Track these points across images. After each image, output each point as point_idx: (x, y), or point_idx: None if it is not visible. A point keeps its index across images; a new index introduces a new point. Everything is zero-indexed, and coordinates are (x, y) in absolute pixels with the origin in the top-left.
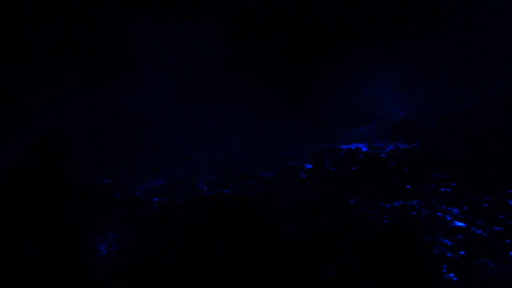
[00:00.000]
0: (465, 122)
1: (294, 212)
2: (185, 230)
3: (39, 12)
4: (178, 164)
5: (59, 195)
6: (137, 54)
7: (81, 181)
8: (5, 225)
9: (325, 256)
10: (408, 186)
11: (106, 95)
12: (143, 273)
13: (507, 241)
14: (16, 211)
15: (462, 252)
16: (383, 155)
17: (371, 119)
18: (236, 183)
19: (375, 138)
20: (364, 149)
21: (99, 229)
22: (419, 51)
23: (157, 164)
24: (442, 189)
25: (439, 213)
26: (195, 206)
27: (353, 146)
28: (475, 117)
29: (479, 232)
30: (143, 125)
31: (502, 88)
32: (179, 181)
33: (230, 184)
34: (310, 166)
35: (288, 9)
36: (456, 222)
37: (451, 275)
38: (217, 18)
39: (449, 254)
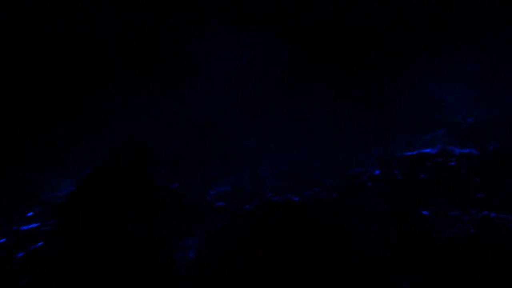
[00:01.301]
0: None
1: (364, 220)
2: (254, 235)
3: (117, 21)
4: (244, 170)
5: (140, 199)
6: (206, 60)
7: (158, 185)
8: (91, 228)
9: (402, 268)
10: (479, 195)
11: (177, 101)
12: (218, 276)
13: None
14: (99, 214)
15: None
16: (452, 163)
17: (439, 125)
18: (301, 190)
19: (444, 145)
20: (433, 157)
21: (177, 234)
22: (488, 56)
23: (224, 170)
24: None
25: None
26: (263, 212)
27: (421, 153)
28: None
29: None
30: (212, 130)
31: None
32: (245, 186)
33: (295, 190)
34: (377, 172)
35: (352, 14)
36: None
37: None
38: (282, 23)
39: None
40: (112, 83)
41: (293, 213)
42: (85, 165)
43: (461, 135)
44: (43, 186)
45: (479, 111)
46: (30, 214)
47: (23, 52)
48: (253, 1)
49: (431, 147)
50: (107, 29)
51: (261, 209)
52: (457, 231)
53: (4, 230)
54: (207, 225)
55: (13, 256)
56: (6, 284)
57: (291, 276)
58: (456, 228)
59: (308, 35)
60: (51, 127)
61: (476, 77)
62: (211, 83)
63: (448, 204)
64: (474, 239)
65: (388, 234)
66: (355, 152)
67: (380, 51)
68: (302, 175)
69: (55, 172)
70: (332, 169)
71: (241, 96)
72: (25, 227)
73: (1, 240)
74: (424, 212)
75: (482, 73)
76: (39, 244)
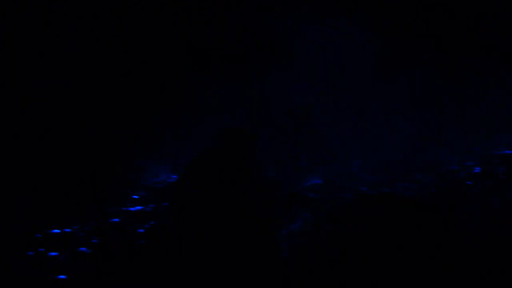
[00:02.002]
0: None
1: (470, 218)
2: (351, 229)
3: (209, 13)
4: (335, 162)
5: (242, 187)
6: (299, 50)
7: (259, 174)
8: (195, 221)
9: None
10: None
11: (267, 92)
12: (314, 270)
13: None
14: (203, 200)
15: None
16: None
17: None
18: (397, 185)
19: None
20: None
21: (279, 224)
22: None
23: (316, 162)
24: None
25: None
26: (358, 206)
27: None
28: None
29: None
30: (304, 121)
31: None
32: (337, 179)
33: (390, 185)
34: (477, 170)
35: (451, 6)
36: None
37: None
38: (375, 14)
39: None
40: (208, 72)
41: (391, 207)
42: (182, 153)
43: None
44: (145, 172)
45: None
46: (135, 197)
47: (130, 43)
48: None
49: None
50: (202, 16)
51: (357, 202)
52: None
53: (115, 212)
54: (302, 218)
55: (131, 233)
56: (132, 257)
57: (395, 274)
58: None
59: (405, 24)
60: (150, 116)
61: None
62: (305, 73)
63: None
64: None
65: (499, 232)
66: (453, 148)
67: (480, 42)
68: (397, 169)
69: (154, 159)
70: (427, 164)
71: (335, 87)
72: (133, 209)
73: (115, 220)
74: None
75: None
76: (152, 222)
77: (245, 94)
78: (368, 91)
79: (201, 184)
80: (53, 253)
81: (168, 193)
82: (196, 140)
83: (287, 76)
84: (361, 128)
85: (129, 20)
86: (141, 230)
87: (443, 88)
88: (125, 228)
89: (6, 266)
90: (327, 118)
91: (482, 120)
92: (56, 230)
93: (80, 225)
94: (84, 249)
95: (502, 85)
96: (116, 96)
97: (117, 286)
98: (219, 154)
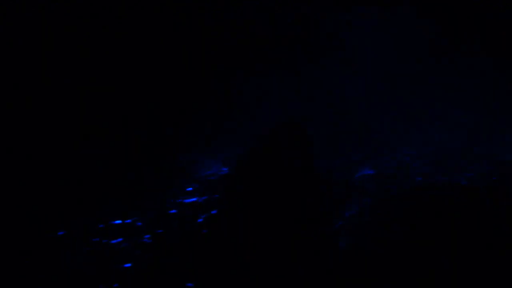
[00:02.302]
0: None
1: None
2: (408, 217)
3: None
4: (386, 153)
5: (293, 179)
6: (347, 42)
7: (312, 166)
8: (250, 204)
9: None
10: None
11: (317, 85)
12: (370, 262)
13: None
14: (257, 192)
15: None
16: None
17: None
18: (452, 175)
19: None
20: None
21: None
22: None
23: (366, 152)
24: None
25: None
26: (411, 196)
27: None
28: None
29: None
30: (353, 114)
31: None
32: (389, 170)
33: (445, 175)
34: None
35: None
36: None
37: None
38: (431, 1)
39: None
40: (259, 66)
41: (449, 196)
42: (233, 146)
43: None
44: (198, 166)
45: None
46: (189, 189)
47: (178, 41)
48: None
49: None
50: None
51: (412, 192)
52: None
53: (172, 203)
54: (357, 208)
55: (189, 223)
56: (192, 246)
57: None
58: None
59: (464, 13)
60: (201, 111)
61: None
62: (356, 65)
63: None
64: None
65: None
66: (509, 138)
67: None
68: (450, 159)
69: (206, 153)
70: (484, 155)
71: (387, 78)
72: (187, 200)
73: (173, 211)
74: None
75: None
76: (206, 213)
77: (296, 87)
78: (422, 82)
79: (253, 176)
80: (115, 241)
81: (220, 185)
82: (246, 134)
83: (338, 68)
84: (414, 119)
85: (177, 17)
86: (200, 220)
87: (501, 79)
88: (182, 219)
89: (74, 255)
90: (378, 109)
91: None
92: (118, 221)
93: (140, 216)
94: (146, 238)
95: None
96: (171, 94)
97: (179, 273)
98: (271, 147)
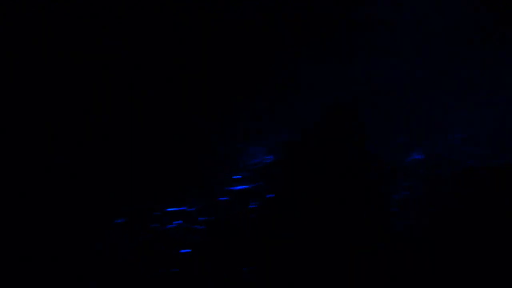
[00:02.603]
0: None
1: None
2: (460, 204)
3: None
4: (435, 136)
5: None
6: (393, 22)
7: (363, 152)
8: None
9: None
10: None
11: (363, 68)
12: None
13: None
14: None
15: None
16: None
17: None
18: (503, 158)
19: None
20: None
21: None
22: None
23: (414, 136)
24: None
25: None
26: (465, 180)
27: None
28: None
29: None
30: (398, 96)
31: None
32: (439, 154)
33: (499, 157)
34: None
35: None
36: None
37: None
38: None
39: None
40: (304, 51)
41: (502, 180)
42: (276, 134)
43: None
44: (242, 154)
45: None
46: (236, 177)
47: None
48: None
49: None
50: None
51: (464, 175)
52: None
53: (222, 190)
54: (408, 192)
55: (242, 209)
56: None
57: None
58: None
59: None
60: (246, 100)
61: None
62: (403, 45)
63: None
64: None
65: None
66: None
67: None
68: (505, 141)
69: (249, 141)
70: None
71: (435, 58)
72: (237, 188)
73: (225, 198)
74: None
75: None
76: (270, 196)
77: (341, 71)
78: (472, 61)
79: (303, 163)
80: (170, 226)
81: (267, 172)
82: (290, 121)
83: (384, 50)
84: (465, 100)
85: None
86: (252, 206)
87: None
88: (234, 205)
89: (131, 241)
90: (426, 91)
91: None
92: (172, 209)
93: (192, 204)
94: (199, 225)
95: None
96: (216, 81)
97: (234, 258)
98: (321, 133)
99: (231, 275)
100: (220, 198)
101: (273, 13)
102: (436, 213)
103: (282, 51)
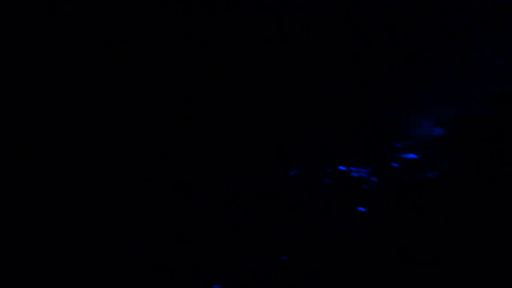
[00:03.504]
0: None
1: None
2: None
3: None
4: None
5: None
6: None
7: None
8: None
9: None
10: None
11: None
12: None
13: None
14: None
15: None
16: None
17: None
18: None
19: None
20: None
21: None
22: None
23: None
24: None
25: None
26: None
27: None
28: None
29: None
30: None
31: None
32: None
33: None
34: None
35: None
36: None
37: None
38: None
39: None
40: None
41: None
42: (444, 107)
43: None
44: (407, 124)
45: None
46: (398, 145)
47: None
48: None
49: None
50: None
51: None
52: None
53: (392, 158)
54: None
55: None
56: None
57: None
58: None
59: None
60: (414, 72)
61: None
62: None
63: None
64: None
65: None
66: None
67: None
68: None
69: (415, 110)
70: None
71: None
72: (406, 156)
73: (395, 164)
74: None
75: None
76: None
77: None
78: None
79: (475, 141)
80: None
81: (435, 146)
82: (463, 95)
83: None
84: None
85: None
86: (432, 175)
87: None
88: (407, 173)
89: (310, 193)
90: None
91: None
92: (343, 167)
93: (364, 165)
94: (371, 187)
95: None
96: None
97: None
98: (499, 112)
99: (407, 238)
100: (392, 164)
101: None
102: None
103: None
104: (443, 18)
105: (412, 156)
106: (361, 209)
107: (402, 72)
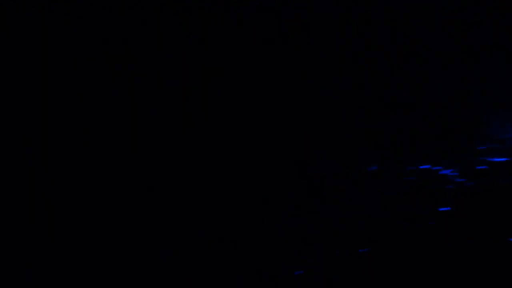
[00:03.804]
0: None
1: None
2: None
3: None
4: None
5: None
6: None
7: None
8: None
9: None
10: None
11: None
12: None
13: None
14: None
15: None
16: None
17: None
18: None
19: None
20: None
21: None
22: None
23: None
24: None
25: None
26: None
27: None
28: None
29: None
30: None
31: None
32: None
33: None
34: None
35: None
36: None
37: None
38: None
39: None
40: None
41: None
42: None
43: None
44: (491, 126)
45: None
46: (481, 148)
47: None
48: None
49: None
50: None
51: None
52: None
53: (478, 160)
54: None
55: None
56: None
57: None
58: None
59: None
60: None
61: None
62: None
63: None
64: None
65: None
66: None
67: None
68: None
69: (503, 114)
70: None
71: None
72: (495, 159)
73: (484, 167)
74: None
75: None
76: None
77: None
78: None
79: None
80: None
81: None
82: None
83: None
84: None
85: None
86: None
87: None
88: (492, 176)
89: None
90: None
91: None
92: (426, 166)
93: (448, 166)
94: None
95: None
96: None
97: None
98: None
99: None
100: (478, 167)
101: None
102: None
103: None
104: None
105: (499, 159)
106: (445, 209)
107: (488, 75)
